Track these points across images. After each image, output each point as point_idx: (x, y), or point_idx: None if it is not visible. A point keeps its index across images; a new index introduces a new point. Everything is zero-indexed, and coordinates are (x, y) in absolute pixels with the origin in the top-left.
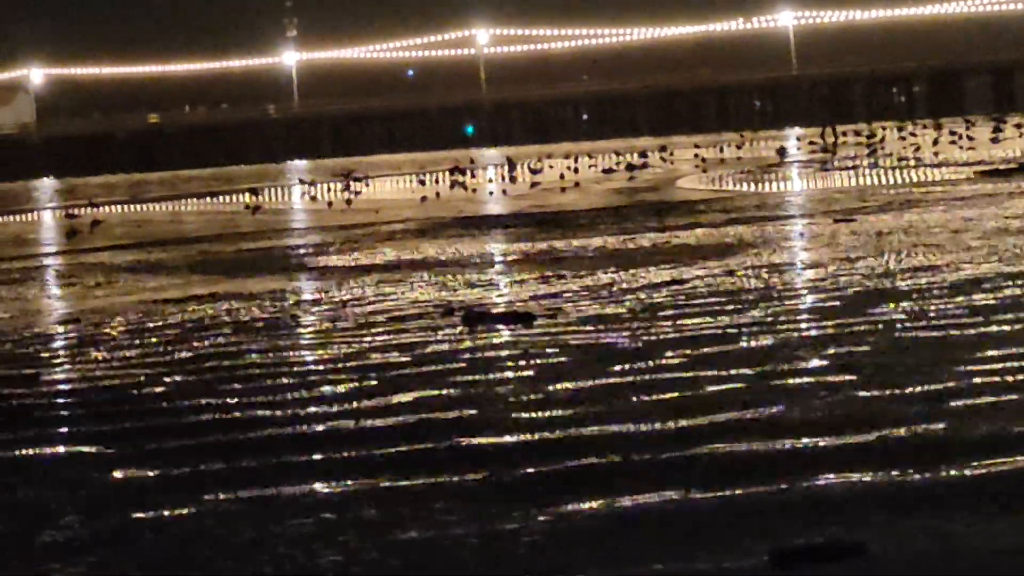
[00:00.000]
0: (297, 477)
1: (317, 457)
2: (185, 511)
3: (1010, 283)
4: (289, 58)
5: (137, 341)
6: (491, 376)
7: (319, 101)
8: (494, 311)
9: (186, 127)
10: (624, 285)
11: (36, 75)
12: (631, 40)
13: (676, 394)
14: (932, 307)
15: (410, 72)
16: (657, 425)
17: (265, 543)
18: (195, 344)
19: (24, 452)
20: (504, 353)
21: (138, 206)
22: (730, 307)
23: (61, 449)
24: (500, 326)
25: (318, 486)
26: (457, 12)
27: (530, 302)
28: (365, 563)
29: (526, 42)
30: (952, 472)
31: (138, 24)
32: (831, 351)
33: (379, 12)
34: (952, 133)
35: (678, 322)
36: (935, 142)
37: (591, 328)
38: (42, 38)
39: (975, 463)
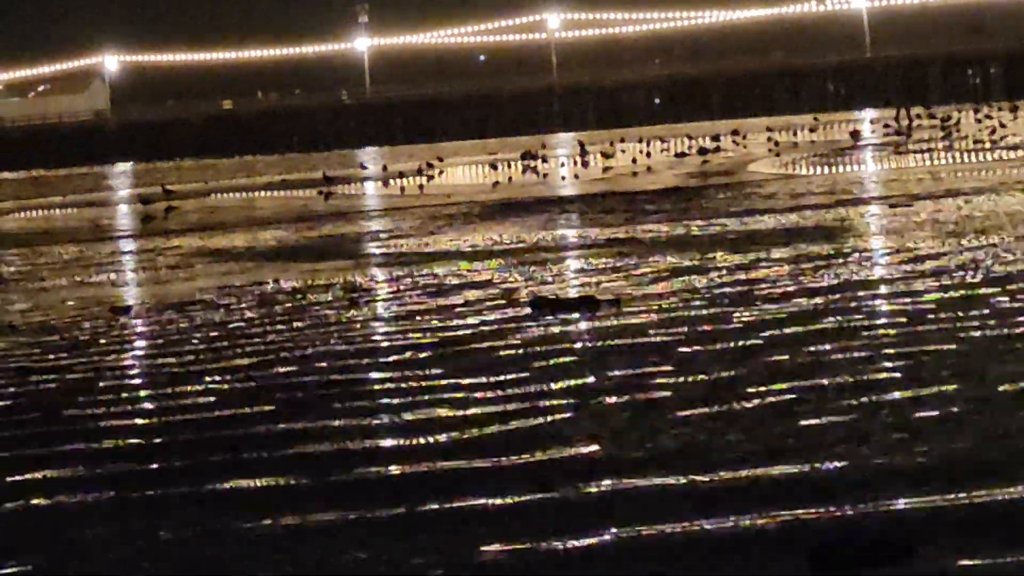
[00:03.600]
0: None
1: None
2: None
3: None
4: (361, 44)
5: (182, 332)
6: (544, 364)
7: (391, 87)
8: (560, 297)
9: (259, 113)
10: (687, 273)
11: (111, 62)
12: (703, 23)
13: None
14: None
15: (481, 57)
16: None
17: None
18: (247, 332)
19: (57, 448)
20: (561, 346)
21: (212, 191)
22: (784, 300)
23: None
24: (565, 313)
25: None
26: None
27: (598, 288)
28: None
29: (597, 26)
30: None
31: (211, 11)
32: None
33: None
34: None
35: (736, 314)
36: (999, 126)
37: (654, 317)
38: (116, 25)
39: None
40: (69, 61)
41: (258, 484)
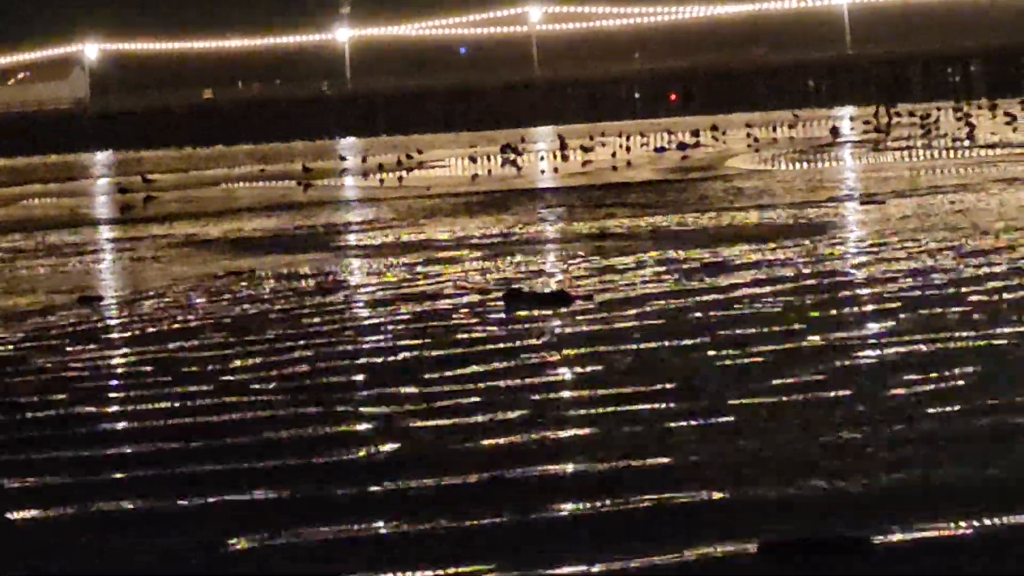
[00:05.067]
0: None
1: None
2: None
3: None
4: (342, 35)
5: (150, 322)
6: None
7: (372, 78)
8: (533, 291)
9: (239, 103)
10: (663, 268)
11: (91, 50)
12: (684, 18)
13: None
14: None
15: (463, 50)
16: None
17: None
18: (214, 323)
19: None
20: (531, 340)
21: (191, 181)
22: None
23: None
24: (538, 307)
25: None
26: None
27: (573, 282)
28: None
29: (578, 20)
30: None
31: (192, 0)
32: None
33: None
34: (1008, 115)
35: (710, 310)
36: (969, 128)
37: (627, 312)
38: (97, 13)
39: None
40: (49, 49)
41: (226, 475)
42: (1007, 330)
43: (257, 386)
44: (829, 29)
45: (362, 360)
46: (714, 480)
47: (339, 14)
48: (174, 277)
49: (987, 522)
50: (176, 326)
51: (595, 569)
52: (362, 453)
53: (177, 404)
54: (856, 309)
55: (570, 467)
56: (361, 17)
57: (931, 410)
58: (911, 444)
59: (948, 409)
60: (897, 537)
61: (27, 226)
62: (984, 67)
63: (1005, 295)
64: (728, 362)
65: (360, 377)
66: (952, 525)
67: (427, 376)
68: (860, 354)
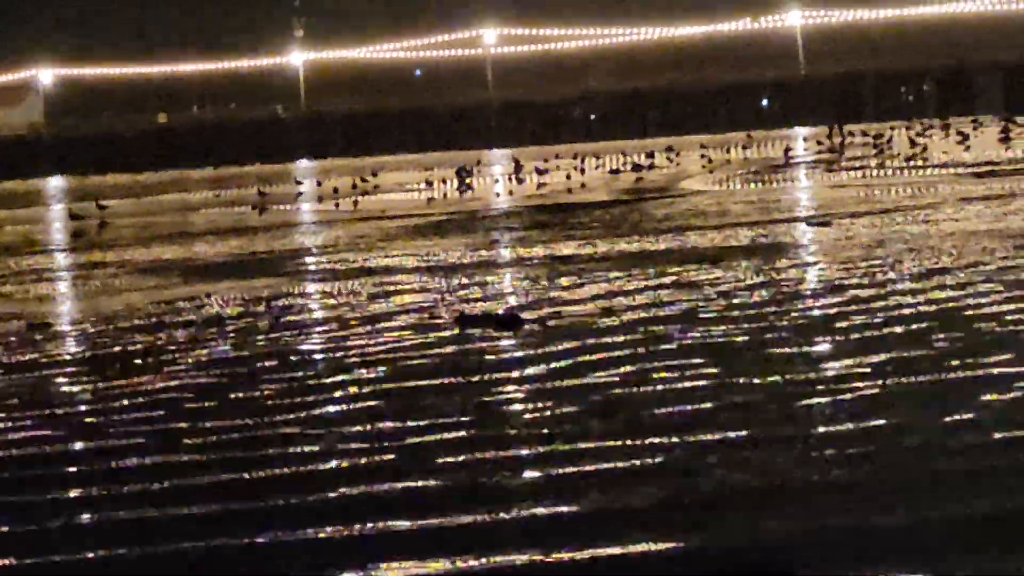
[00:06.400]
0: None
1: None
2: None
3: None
4: (297, 58)
5: (99, 349)
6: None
7: (327, 101)
8: (486, 314)
9: (194, 127)
10: (616, 291)
11: (45, 75)
12: (638, 39)
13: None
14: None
15: (418, 72)
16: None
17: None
18: (168, 349)
19: None
20: (481, 363)
21: (146, 206)
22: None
23: None
24: (490, 330)
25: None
26: (465, 12)
27: (527, 305)
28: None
29: (533, 42)
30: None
31: (146, 24)
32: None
33: (386, 12)
34: (960, 134)
35: (659, 333)
36: (921, 149)
37: (578, 335)
38: (51, 38)
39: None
40: (3, 74)
41: (175, 498)
42: (949, 347)
43: (209, 412)
44: (782, 49)
45: (312, 383)
46: (647, 517)
47: (293, 37)
48: (126, 304)
49: (914, 562)
50: (125, 353)
51: None
52: (309, 471)
53: (123, 429)
54: (802, 335)
55: (519, 487)
56: (315, 40)
57: (871, 441)
58: (843, 480)
59: (889, 445)
60: (822, 572)
61: None
62: (937, 86)
63: (949, 317)
64: (677, 385)
65: (311, 399)
66: (881, 565)
67: (377, 399)
68: (806, 377)
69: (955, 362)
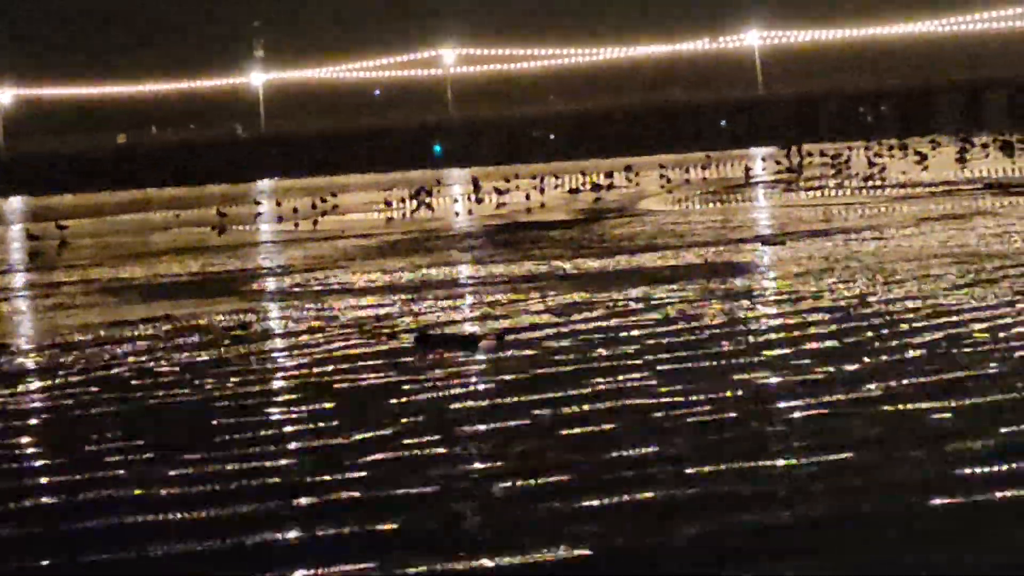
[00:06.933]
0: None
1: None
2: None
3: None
4: (256, 78)
5: (54, 370)
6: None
7: (287, 121)
8: (445, 333)
9: (154, 147)
10: (573, 309)
11: (4, 95)
12: (598, 59)
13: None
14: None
15: (377, 92)
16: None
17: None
18: (120, 371)
19: None
20: (439, 381)
21: (106, 226)
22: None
23: None
24: (448, 349)
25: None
26: (424, 32)
27: (484, 323)
28: None
29: (493, 62)
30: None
31: (107, 44)
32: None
33: (346, 32)
34: (918, 154)
35: (615, 350)
36: (873, 168)
37: (534, 353)
38: (10, 58)
39: None
40: None
41: (125, 521)
42: (897, 364)
43: (165, 430)
44: (741, 70)
45: (271, 401)
46: (605, 523)
47: (253, 57)
48: (84, 323)
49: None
50: (82, 371)
51: None
52: (266, 486)
53: (81, 445)
54: (753, 352)
55: (473, 501)
56: (275, 60)
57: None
58: (795, 491)
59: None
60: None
61: None
62: (895, 107)
63: (899, 335)
64: (631, 401)
65: (269, 418)
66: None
67: (335, 419)
68: (757, 392)
69: (904, 381)
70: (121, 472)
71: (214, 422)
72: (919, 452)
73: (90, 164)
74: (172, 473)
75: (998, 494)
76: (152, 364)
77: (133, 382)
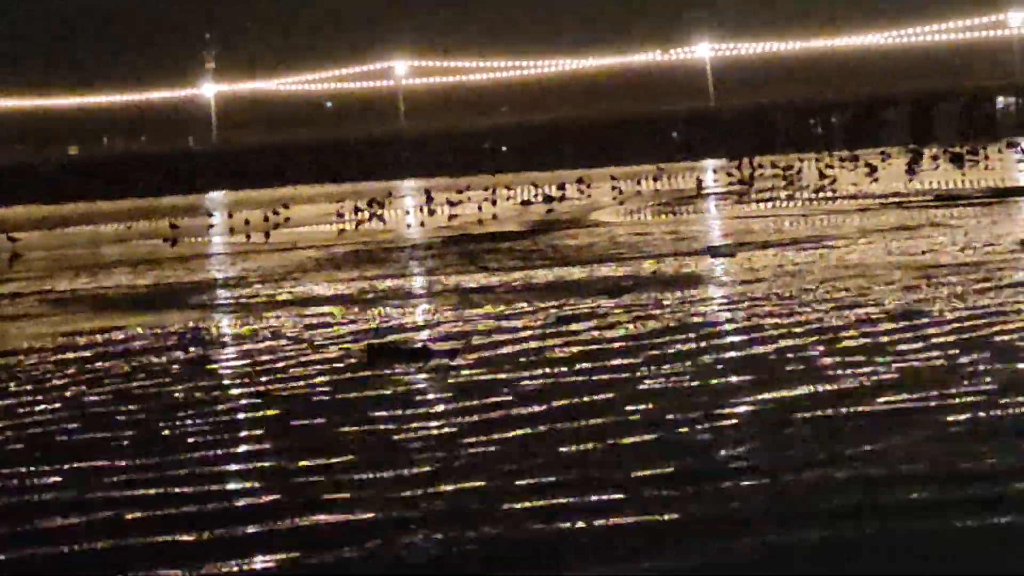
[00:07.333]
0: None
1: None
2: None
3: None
4: (208, 90)
5: (5, 383)
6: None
7: (238, 133)
8: (396, 346)
9: (106, 159)
10: (525, 321)
11: None
12: (550, 71)
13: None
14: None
15: (328, 104)
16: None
17: None
18: (69, 383)
19: None
20: (390, 395)
21: (58, 238)
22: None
23: None
24: (400, 362)
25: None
26: (376, 44)
27: (437, 336)
28: None
29: (445, 74)
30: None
31: (57, 55)
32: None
33: (298, 44)
34: (868, 165)
35: (567, 364)
36: (824, 179)
37: (486, 367)
38: None
39: None
40: None
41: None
42: (842, 377)
43: (114, 446)
44: (692, 81)
45: (221, 414)
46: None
47: (205, 69)
48: (37, 335)
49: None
50: (31, 383)
51: None
52: (214, 505)
53: (25, 463)
54: (699, 363)
55: (421, 515)
56: (227, 72)
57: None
58: (745, 509)
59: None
60: None
61: None
62: (845, 118)
63: (845, 347)
64: (582, 413)
65: (219, 432)
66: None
67: (285, 433)
68: (704, 401)
69: (848, 398)
70: (62, 484)
71: (163, 434)
72: (860, 461)
73: (42, 176)
74: (113, 492)
75: (936, 512)
76: (100, 376)
77: (84, 395)
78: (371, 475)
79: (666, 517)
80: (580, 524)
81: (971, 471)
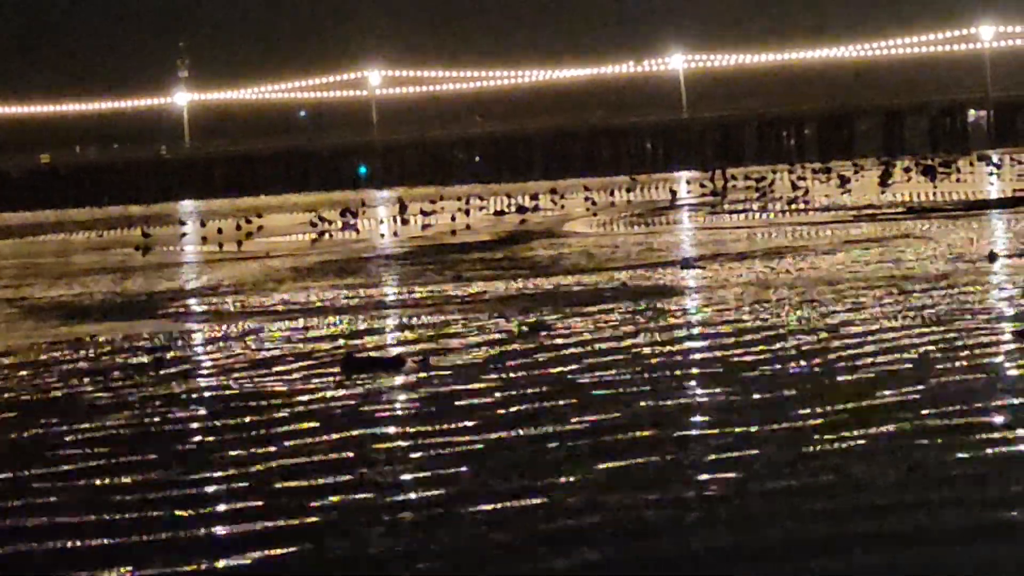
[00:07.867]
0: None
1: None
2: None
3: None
4: (181, 98)
5: None
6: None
7: (211, 141)
8: (370, 356)
9: (78, 167)
10: (497, 331)
11: None
12: (524, 82)
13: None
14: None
15: (302, 113)
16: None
17: None
18: (39, 393)
19: None
20: (365, 404)
21: (28, 246)
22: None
23: None
24: (374, 371)
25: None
26: (349, 53)
27: (410, 346)
28: None
29: (418, 84)
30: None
31: (29, 63)
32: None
33: (271, 53)
34: (841, 177)
35: (539, 373)
36: (797, 191)
37: (459, 375)
38: None
39: None
40: None
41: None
42: (810, 388)
43: (83, 456)
44: (665, 93)
45: (195, 424)
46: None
47: (178, 77)
48: (5, 345)
49: None
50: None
51: None
52: (187, 514)
53: None
54: (669, 373)
55: (395, 525)
56: (200, 81)
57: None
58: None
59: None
60: None
61: None
62: (818, 130)
63: (814, 358)
64: (555, 428)
65: (192, 442)
66: None
67: (260, 443)
68: (675, 410)
69: (818, 408)
70: (31, 493)
71: (136, 443)
72: (830, 477)
73: (12, 184)
74: (82, 497)
75: (908, 519)
76: (70, 386)
77: (52, 403)
78: (344, 479)
79: (631, 517)
80: (545, 526)
81: (937, 473)
